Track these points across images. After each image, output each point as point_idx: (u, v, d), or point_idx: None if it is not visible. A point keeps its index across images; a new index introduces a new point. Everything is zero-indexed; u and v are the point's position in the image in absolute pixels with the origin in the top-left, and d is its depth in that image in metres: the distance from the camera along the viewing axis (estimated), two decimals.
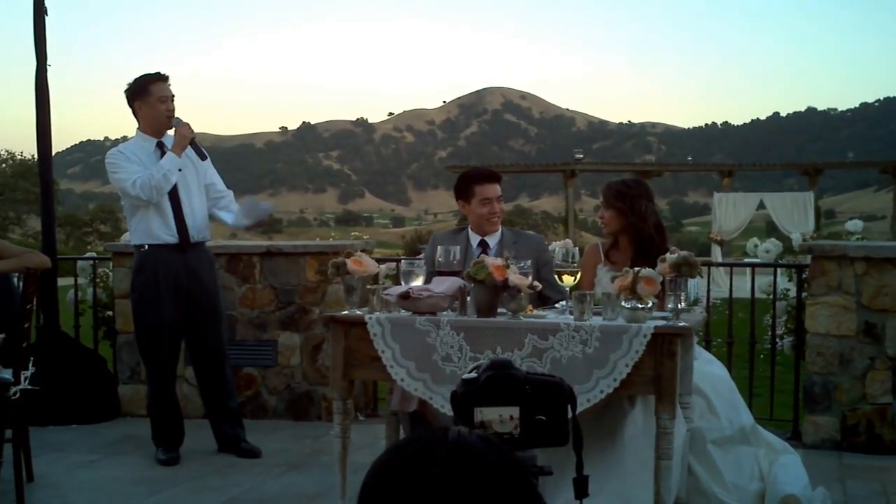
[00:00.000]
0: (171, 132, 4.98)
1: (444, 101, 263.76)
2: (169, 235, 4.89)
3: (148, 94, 4.90)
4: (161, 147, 4.94)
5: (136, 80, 4.96)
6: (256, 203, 5.24)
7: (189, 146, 4.95)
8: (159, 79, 4.95)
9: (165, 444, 5.02)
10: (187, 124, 4.91)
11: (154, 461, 4.96)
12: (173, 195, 4.88)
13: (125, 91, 4.98)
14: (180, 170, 4.87)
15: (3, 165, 51.93)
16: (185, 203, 4.92)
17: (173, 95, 4.96)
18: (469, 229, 4.57)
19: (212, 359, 5.09)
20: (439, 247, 3.94)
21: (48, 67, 5.94)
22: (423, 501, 1.11)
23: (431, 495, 1.10)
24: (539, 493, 1.20)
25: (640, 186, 4.33)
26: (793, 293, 5.95)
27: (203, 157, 5.02)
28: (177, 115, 4.94)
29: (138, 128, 5.00)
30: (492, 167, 7.69)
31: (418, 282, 3.74)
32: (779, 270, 6.13)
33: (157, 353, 4.99)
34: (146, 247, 4.92)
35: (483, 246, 4.48)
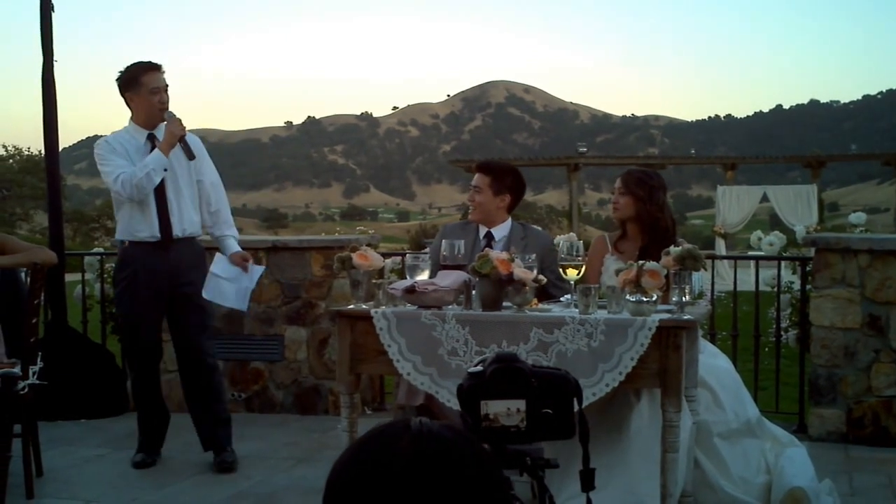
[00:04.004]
0: (164, 124, 4.66)
1: (448, 95, 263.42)
2: (149, 234, 4.63)
3: (139, 84, 4.60)
4: (152, 140, 4.66)
5: (128, 68, 4.65)
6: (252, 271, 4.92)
7: (178, 144, 4.62)
8: (151, 68, 4.63)
9: (143, 446, 4.87)
10: (179, 120, 4.61)
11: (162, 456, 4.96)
12: (160, 192, 4.61)
13: (116, 80, 4.67)
14: (166, 169, 4.57)
15: (10, 161, 51.86)
16: (172, 201, 4.65)
17: (167, 86, 4.65)
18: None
19: (193, 358, 4.79)
20: (444, 241, 3.95)
21: (55, 63, 5.93)
22: (388, 494, 1.09)
23: (396, 487, 1.09)
24: (507, 481, 1.19)
25: (658, 178, 4.38)
26: (797, 286, 5.95)
27: (191, 158, 4.68)
28: (170, 108, 4.63)
29: (131, 118, 4.73)
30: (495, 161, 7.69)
31: (423, 276, 3.75)
32: (783, 263, 6.14)
33: (135, 351, 4.82)
34: (127, 243, 4.71)
35: (489, 237, 4.49)
